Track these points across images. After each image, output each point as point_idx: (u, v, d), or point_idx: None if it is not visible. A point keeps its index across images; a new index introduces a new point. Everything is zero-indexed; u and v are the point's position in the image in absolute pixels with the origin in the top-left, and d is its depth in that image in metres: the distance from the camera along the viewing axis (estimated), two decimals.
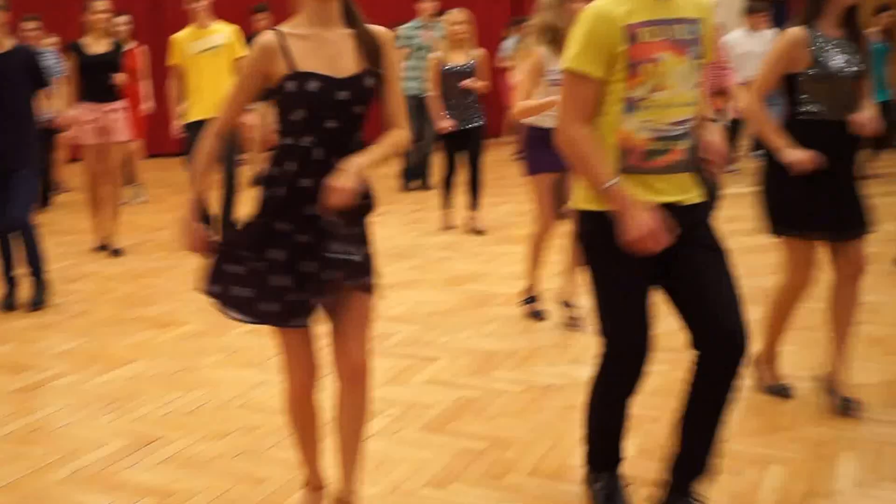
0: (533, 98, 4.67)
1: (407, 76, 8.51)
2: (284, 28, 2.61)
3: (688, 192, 2.72)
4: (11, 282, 5.53)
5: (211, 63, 6.76)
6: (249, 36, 7.82)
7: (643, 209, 2.59)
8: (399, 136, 2.74)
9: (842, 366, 3.81)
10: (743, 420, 3.68)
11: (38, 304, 5.46)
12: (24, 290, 5.54)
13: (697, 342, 2.72)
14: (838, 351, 3.82)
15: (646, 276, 2.70)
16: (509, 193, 8.78)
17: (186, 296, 5.63)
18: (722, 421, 2.76)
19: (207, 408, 3.95)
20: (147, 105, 8.56)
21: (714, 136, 2.75)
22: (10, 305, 5.46)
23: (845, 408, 3.72)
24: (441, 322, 5.09)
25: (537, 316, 5.09)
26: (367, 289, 2.71)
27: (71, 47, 6.83)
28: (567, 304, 5.00)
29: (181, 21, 7.25)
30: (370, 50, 2.63)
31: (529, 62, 4.71)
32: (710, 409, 2.75)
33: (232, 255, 2.66)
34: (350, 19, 2.65)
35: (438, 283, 5.95)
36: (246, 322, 2.69)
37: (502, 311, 5.26)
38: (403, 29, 8.82)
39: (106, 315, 5.35)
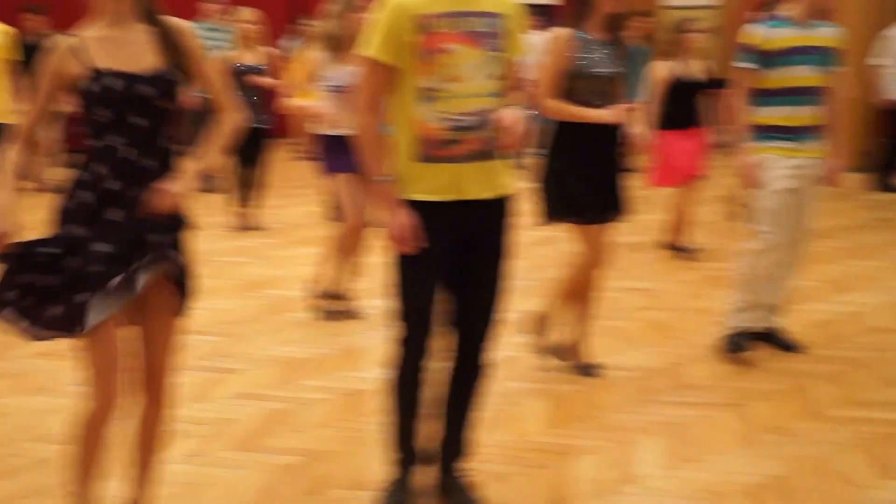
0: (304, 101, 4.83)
1: None
2: (80, 30, 2.55)
3: (489, 186, 2.81)
4: None
5: None
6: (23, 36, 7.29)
7: (402, 211, 2.74)
8: (229, 118, 2.70)
9: (583, 336, 4.28)
10: (545, 411, 3.82)
11: None
12: None
13: (456, 328, 2.94)
14: (581, 323, 4.24)
15: (435, 261, 2.81)
16: (297, 195, 8.67)
17: None
18: (473, 407, 3.02)
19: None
20: None
21: (505, 114, 2.76)
22: None
23: (587, 373, 4.20)
24: (241, 331, 4.94)
25: (339, 316, 5.06)
26: (178, 298, 2.66)
27: None
28: (339, 296, 5.09)
29: None
30: (170, 44, 2.59)
31: (307, 65, 4.76)
32: (461, 397, 3.00)
33: (28, 262, 2.50)
34: (148, 17, 2.59)
35: (235, 289, 5.77)
36: (34, 335, 2.54)
37: (303, 315, 5.17)
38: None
39: None
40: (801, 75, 4.15)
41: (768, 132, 4.19)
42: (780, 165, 4.16)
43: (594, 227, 3.98)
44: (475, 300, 2.89)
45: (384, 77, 2.72)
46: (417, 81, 2.68)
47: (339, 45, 4.72)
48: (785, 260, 4.33)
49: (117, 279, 2.47)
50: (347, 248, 4.98)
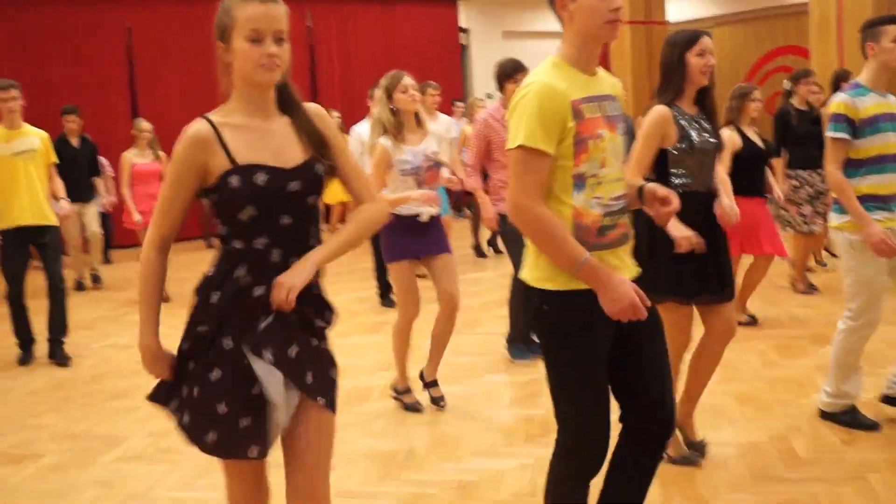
0: (386, 188, 4.73)
1: None
2: (215, 117, 2.38)
3: (630, 266, 2.75)
4: None
5: (26, 166, 6.29)
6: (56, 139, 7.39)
7: (622, 280, 2.52)
8: (371, 210, 2.56)
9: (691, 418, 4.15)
10: (661, 496, 3.71)
11: None
12: None
13: (630, 414, 2.76)
14: (690, 404, 4.12)
15: (605, 355, 2.65)
16: (345, 281, 8.67)
17: (34, 422, 5.14)
18: (646, 491, 2.83)
19: None
20: None
21: (658, 187, 2.73)
22: None
23: (698, 450, 4.08)
24: None
25: (414, 408, 4.99)
26: (326, 406, 2.45)
27: None
28: (430, 385, 5.05)
29: None
30: (313, 135, 2.44)
31: (376, 155, 4.72)
32: (639, 480, 2.80)
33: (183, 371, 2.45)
34: (286, 106, 2.47)
35: None
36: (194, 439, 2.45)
37: (383, 405, 5.10)
38: None
39: None
40: (891, 142, 4.14)
41: (863, 202, 4.14)
42: None
43: (689, 307, 3.90)
44: (648, 383, 2.73)
45: (546, 166, 2.53)
46: (571, 169, 2.56)
47: (392, 128, 4.71)
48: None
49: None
50: (403, 336, 4.95)
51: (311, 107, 2.50)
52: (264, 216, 2.33)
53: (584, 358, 2.62)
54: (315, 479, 2.42)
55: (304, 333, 2.44)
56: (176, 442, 4.64)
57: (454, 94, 13.66)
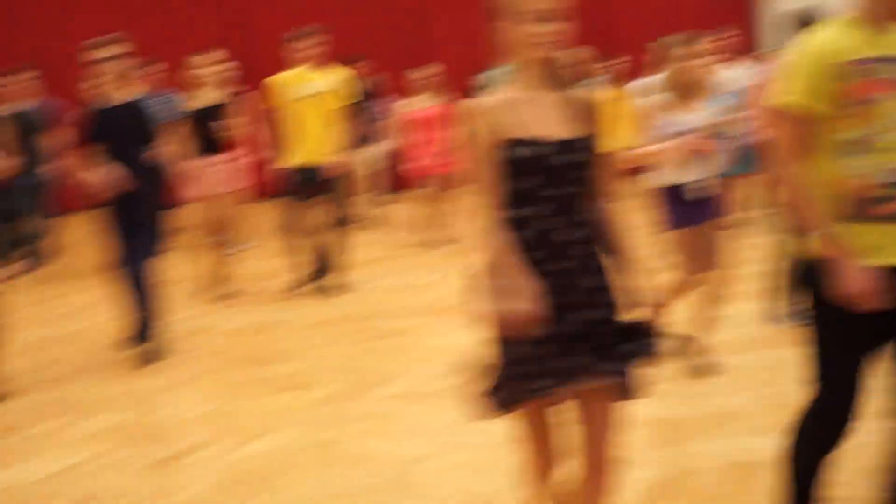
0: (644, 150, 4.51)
1: None
2: (495, 90, 2.48)
3: None
4: (144, 334, 5.35)
5: (315, 106, 6.54)
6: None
7: (855, 264, 2.44)
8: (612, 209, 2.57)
9: None
10: None
11: (156, 358, 5.27)
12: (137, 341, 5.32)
13: None
14: None
15: (872, 332, 2.57)
16: None
17: (313, 353, 5.35)
18: None
19: (370, 488, 3.59)
20: (250, 156, 8.32)
21: None
22: (130, 348, 5.35)
23: None
24: None
25: (702, 372, 4.68)
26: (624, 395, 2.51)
27: (179, 99, 6.71)
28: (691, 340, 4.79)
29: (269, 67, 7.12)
30: (585, 112, 2.45)
31: (647, 111, 4.46)
32: None
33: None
34: (559, 82, 2.46)
35: None
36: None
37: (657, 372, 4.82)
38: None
39: (234, 375, 5.05)
40: None
41: None
42: None
43: None
44: None
45: (808, 127, 2.48)
46: (841, 133, 2.44)
47: (684, 90, 4.45)
48: None
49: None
50: (680, 294, 4.66)
51: (584, 90, 2.52)
52: (538, 187, 2.39)
53: (843, 329, 2.57)
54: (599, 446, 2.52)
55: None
56: (445, 386, 4.68)
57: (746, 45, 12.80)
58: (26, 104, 7.72)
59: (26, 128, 7.60)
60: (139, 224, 5.24)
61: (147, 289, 5.26)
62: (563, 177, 2.39)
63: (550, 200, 2.39)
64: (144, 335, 5.30)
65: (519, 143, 2.37)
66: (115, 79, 5.15)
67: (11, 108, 7.66)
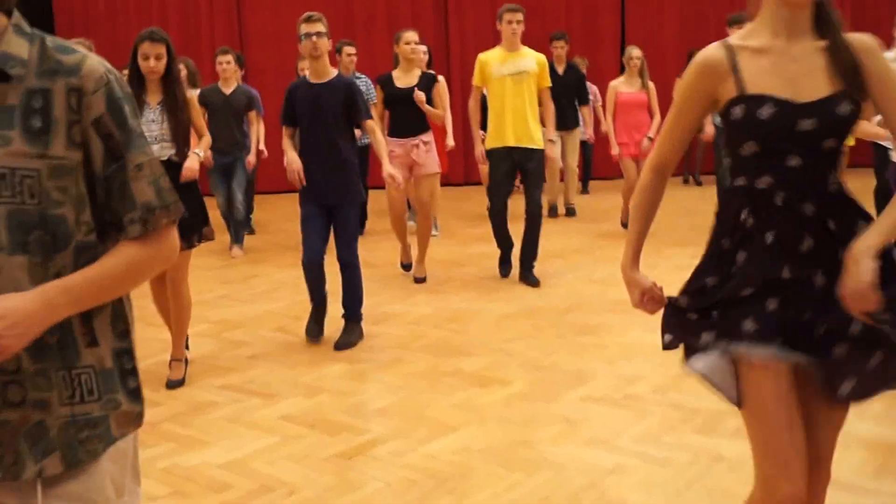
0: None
1: None
2: (734, 40, 2.09)
3: None
4: (320, 317, 5.26)
5: (516, 88, 6.26)
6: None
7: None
8: None
9: None
10: None
11: (347, 345, 5.10)
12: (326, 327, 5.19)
13: None
14: None
15: None
16: None
17: (504, 346, 5.06)
18: None
19: (561, 499, 3.25)
20: (449, 141, 8.12)
21: None
22: (315, 335, 5.29)
23: None
24: None
25: None
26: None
27: (380, 80, 6.57)
28: None
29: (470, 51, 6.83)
30: (847, 67, 1.96)
31: None
32: None
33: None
34: (824, 28, 2.00)
35: None
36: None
37: None
38: None
39: (421, 366, 4.83)
40: None
41: None
42: None
43: None
44: None
45: None
46: None
47: None
48: None
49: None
50: None
51: (857, 37, 2.00)
52: (768, 154, 2.02)
53: None
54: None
55: None
56: (644, 390, 4.27)
57: None
58: (231, 85, 7.84)
59: (235, 108, 7.74)
60: (337, 206, 5.09)
61: (344, 273, 5.13)
62: (812, 143, 1.98)
63: (795, 171, 1.99)
64: (344, 317, 5.22)
65: (760, 100, 1.99)
66: (318, 57, 5.01)
67: (217, 88, 7.82)
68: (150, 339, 5.29)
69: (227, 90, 7.79)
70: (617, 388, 4.35)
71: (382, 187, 6.72)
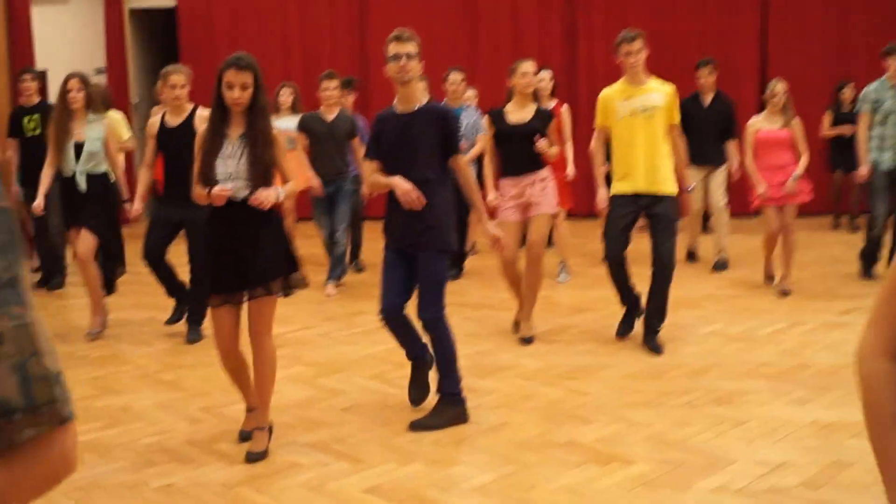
0: None
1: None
2: None
3: None
4: (419, 378, 4.67)
5: (644, 127, 5.58)
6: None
7: None
8: None
9: None
10: None
11: (427, 429, 4.34)
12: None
13: None
14: None
15: None
16: None
17: (627, 414, 4.44)
18: None
19: None
20: (570, 171, 7.52)
21: None
22: (417, 400, 4.63)
23: None
24: None
25: None
26: None
27: (491, 115, 5.99)
28: None
29: (598, 77, 6.20)
30: None
31: None
32: None
33: None
34: None
35: None
36: None
37: None
38: (871, 91, 7.36)
39: (530, 432, 4.26)
40: None
41: None
42: None
43: None
44: None
45: None
46: None
47: None
48: None
49: None
50: None
51: None
52: None
53: None
54: None
55: None
56: (792, 482, 3.59)
57: None
58: (333, 111, 7.47)
59: (337, 136, 7.38)
60: (420, 254, 4.38)
61: (429, 335, 4.44)
62: None
63: None
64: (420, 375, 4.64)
65: None
66: (407, 83, 4.33)
67: (319, 114, 7.48)
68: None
69: (330, 116, 7.44)
70: (759, 478, 3.68)
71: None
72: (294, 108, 8.46)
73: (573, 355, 5.53)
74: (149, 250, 5.92)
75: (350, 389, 4.93)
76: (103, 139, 6.10)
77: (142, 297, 7.20)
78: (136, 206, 6.07)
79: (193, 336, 6.00)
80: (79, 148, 6.02)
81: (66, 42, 11.55)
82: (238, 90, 3.89)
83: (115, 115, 8.19)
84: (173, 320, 6.29)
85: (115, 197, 6.24)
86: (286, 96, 8.57)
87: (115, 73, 11.70)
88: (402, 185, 4.30)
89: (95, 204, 6.07)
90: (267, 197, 3.92)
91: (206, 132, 4.02)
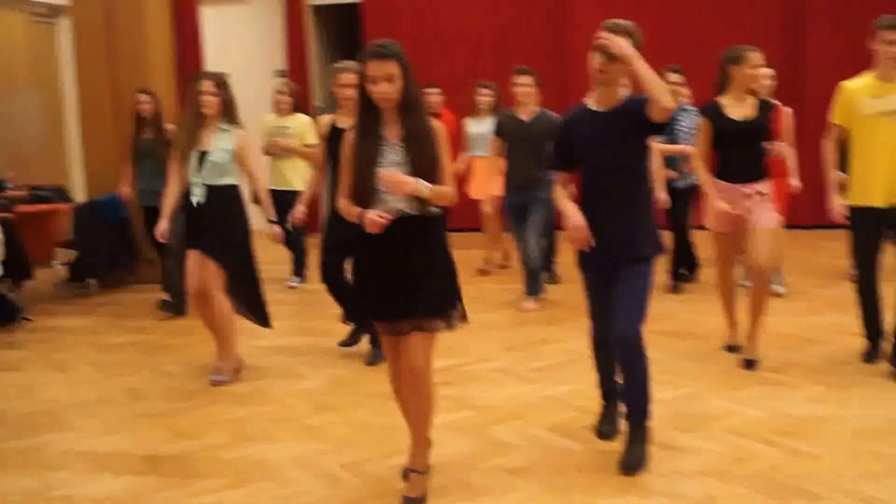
0: None
1: None
2: None
3: None
4: (612, 415, 4.08)
5: (890, 132, 4.71)
6: None
7: None
8: None
9: None
10: None
11: (634, 468, 3.75)
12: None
13: None
14: None
15: None
16: None
17: (866, 490, 3.49)
18: None
19: None
20: (794, 182, 6.49)
21: None
22: (607, 435, 4.10)
23: None
24: None
25: None
26: None
27: (707, 110, 5.10)
28: None
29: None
30: None
31: None
32: None
33: None
34: None
35: None
36: None
37: None
38: None
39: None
40: None
41: None
42: None
43: None
44: None
45: None
46: None
47: None
48: None
49: None
50: None
51: None
52: None
53: None
54: None
55: None
56: None
57: None
58: (528, 111, 6.80)
59: (533, 139, 6.70)
60: (624, 265, 3.77)
61: (622, 354, 3.75)
62: None
63: None
64: (626, 419, 3.89)
65: None
66: (608, 83, 3.74)
67: (514, 114, 6.84)
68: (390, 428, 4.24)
69: (525, 117, 6.76)
70: None
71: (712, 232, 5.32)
72: (495, 111, 7.86)
73: (797, 402, 4.55)
74: (325, 274, 5.47)
75: (523, 443, 4.19)
76: (232, 153, 5.21)
77: (303, 321, 6.83)
78: (300, 210, 5.70)
79: (374, 358, 5.49)
80: (201, 158, 5.18)
81: (241, 43, 11.34)
82: (384, 83, 3.28)
83: (303, 119, 7.92)
84: (348, 343, 5.83)
85: (241, 212, 5.31)
86: (485, 96, 8.00)
87: (295, 75, 11.18)
88: (572, 219, 3.70)
89: (216, 220, 5.20)
90: (405, 182, 3.28)
91: (356, 138, 3.43)
